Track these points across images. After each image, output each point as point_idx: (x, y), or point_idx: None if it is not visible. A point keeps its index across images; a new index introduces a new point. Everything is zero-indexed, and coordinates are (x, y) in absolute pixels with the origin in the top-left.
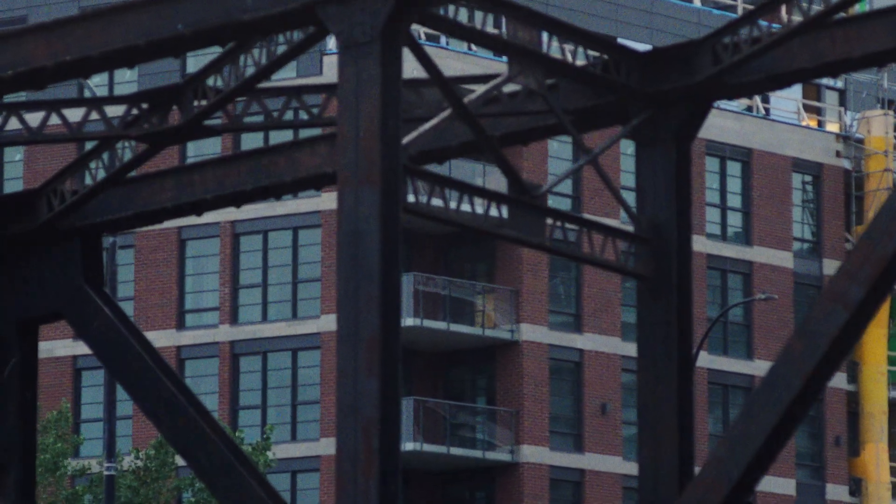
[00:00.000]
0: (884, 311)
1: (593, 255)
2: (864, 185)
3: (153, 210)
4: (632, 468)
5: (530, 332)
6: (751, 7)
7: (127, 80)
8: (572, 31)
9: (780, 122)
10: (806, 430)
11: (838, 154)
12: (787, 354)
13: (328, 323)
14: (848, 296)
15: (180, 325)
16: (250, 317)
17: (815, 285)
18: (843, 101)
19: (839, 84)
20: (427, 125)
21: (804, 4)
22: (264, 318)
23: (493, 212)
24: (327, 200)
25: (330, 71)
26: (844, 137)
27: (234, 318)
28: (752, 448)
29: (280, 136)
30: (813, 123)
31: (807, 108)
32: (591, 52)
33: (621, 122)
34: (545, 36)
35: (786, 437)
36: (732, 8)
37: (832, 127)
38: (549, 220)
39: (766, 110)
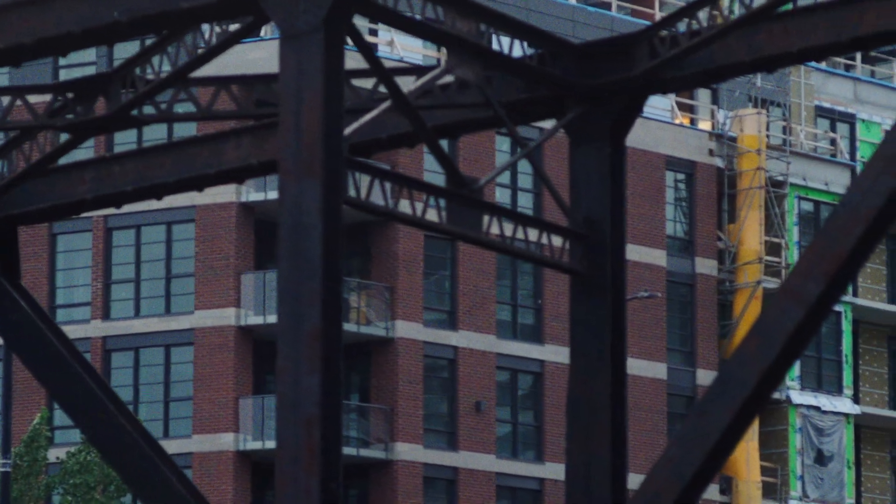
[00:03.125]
0: (756, 303)
1: (528, 251)
2: (736, 183)
3: (72, 202)
4: (505, 466)
5: (405, 329)
6: (624, 5)
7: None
8: (509, 23)
9: (653, 120)
10: (676, 428)
11: (711, 152)
12: (741, 352)
13: (202, 319)
14: (803, 293)
15: None
16: (122, 312)
17: (688, 283)
18: (715, 100)
19: None
20: (367, 116)
21: None
22: (137, 314)
23: (432, 205)
24: (202, 195)
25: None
26: (717, 136)
27: (105, 314)
28: (705, 447)
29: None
30: (686, 121)
31: (680, 106)
32: (527, 44)
33: (556, 116)
34: (482, 27)
35: (739, 435)
36: (607, 5)
37: (705, 125)
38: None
39: None
